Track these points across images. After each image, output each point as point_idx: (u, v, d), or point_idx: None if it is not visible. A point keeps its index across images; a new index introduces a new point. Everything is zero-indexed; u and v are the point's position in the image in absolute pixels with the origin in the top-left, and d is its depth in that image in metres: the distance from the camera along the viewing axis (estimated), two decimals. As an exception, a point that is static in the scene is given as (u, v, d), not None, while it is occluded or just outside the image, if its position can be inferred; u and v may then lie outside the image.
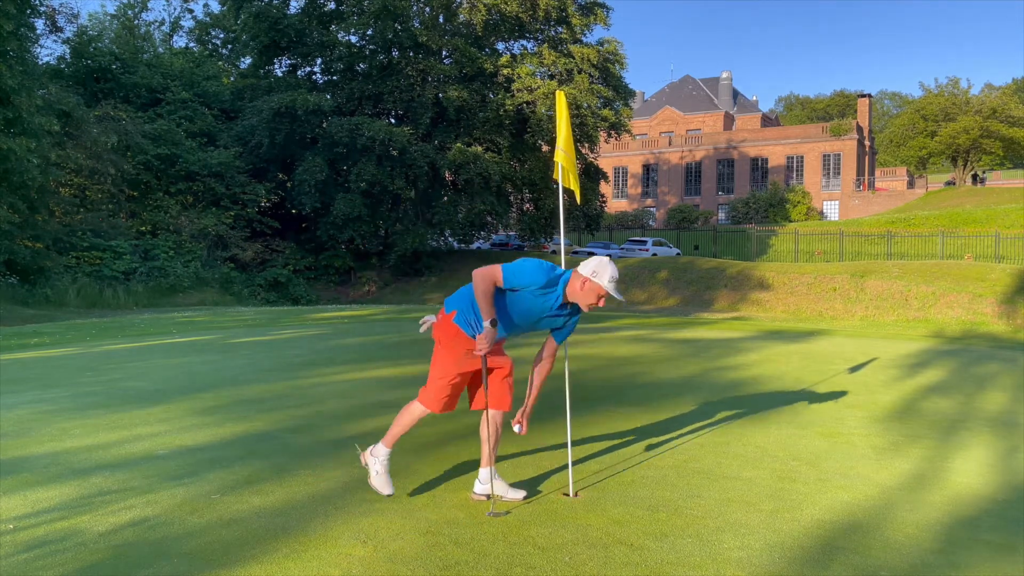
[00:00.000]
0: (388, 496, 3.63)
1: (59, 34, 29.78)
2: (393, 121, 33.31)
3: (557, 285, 3.47)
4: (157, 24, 42.27)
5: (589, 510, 3.68)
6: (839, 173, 55.03)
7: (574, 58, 31.90)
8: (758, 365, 9.13)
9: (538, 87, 31.05)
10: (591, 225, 35.98)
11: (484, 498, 3.75)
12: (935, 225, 37.55)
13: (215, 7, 51.05)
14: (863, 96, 61.13)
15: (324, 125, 30.76)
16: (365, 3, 31.23)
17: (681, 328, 14.73)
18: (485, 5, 31.25)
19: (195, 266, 27.00)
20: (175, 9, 63.38)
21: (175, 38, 43.04)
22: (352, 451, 4.74)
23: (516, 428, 3.71)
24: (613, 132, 34.17)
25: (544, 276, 3.43)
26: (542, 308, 3.49)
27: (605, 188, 45.92)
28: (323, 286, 31.10)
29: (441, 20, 32.45)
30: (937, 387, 7.71)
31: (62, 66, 30.89)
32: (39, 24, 27.28)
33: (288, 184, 32.30)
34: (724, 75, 66.53)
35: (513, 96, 31.56)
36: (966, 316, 18.28)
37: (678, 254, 34.24)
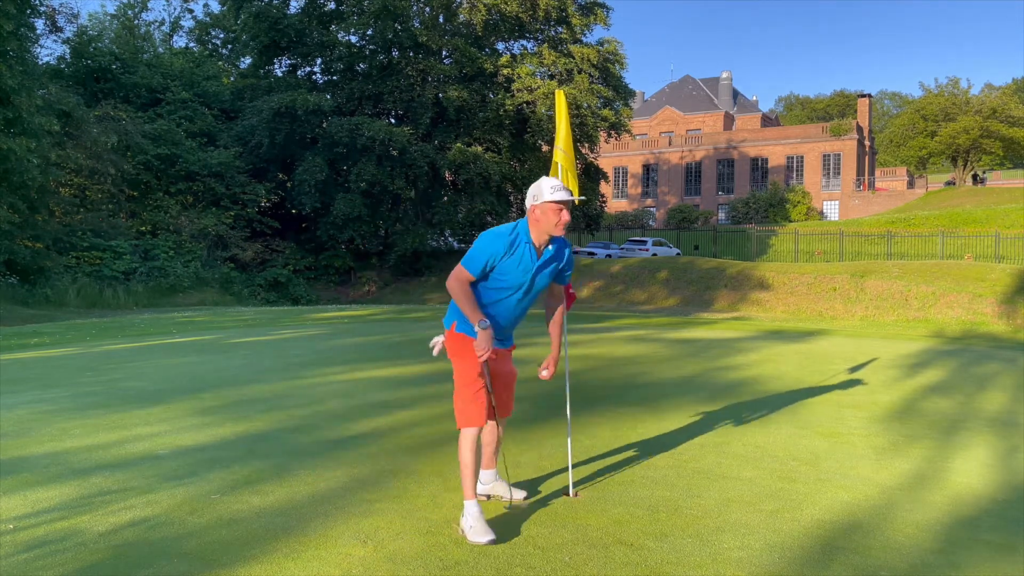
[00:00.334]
0: (489, 542, 3.21)
1: (59, 34, 29.81)
2: (393, 121, 33.31)
3: (519, 235, 3.32)
4: (157, 24, 42.32)
5: (589, 510, 3.68)
6: (839, 173, 55.02)
7: (574, 58, 31.91)
8: (758, 365, 9.13)
9: (538, 87, 31.05)
10: (591, 225, 35.98)
11: (484, 499, 3.75)
12: (935, 225, 37.55)
13: (215, 7, 51.05)
14: (863, 96, 61.11)
15: (324, 125, 30.77)
16: (365, 3, 31.24)
17: (681, 328, 14.73)
18: (485, 5, 31.24)
19: (195, 266, 27.01)
20: (175, 9, 63.43)
21: (175, 38, 43.07)
22: (352, 451, 4.75)
23: (544, 373, 3.58)
24: (613, 132, 34.17)
25: (502, 239, 3.29)
26: (527, 266, 3.33)
27: (605, 188, 45.91)
28: (323, 286, 31.10)
29: (441, 20, 32.45)
30: (937, 387, 7.71)
31: (62, 66, 30.90)
32: (39, 24, 27.31)
33: (288, 184, 32.31)
34: (724, 75, 66.52)
35: (513, 96, 31.56)
36: (966, 316, 18.28)
37: (678, 254, 34.24)
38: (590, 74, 31.98)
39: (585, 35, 33.20)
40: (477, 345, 3.29)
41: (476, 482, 3.42)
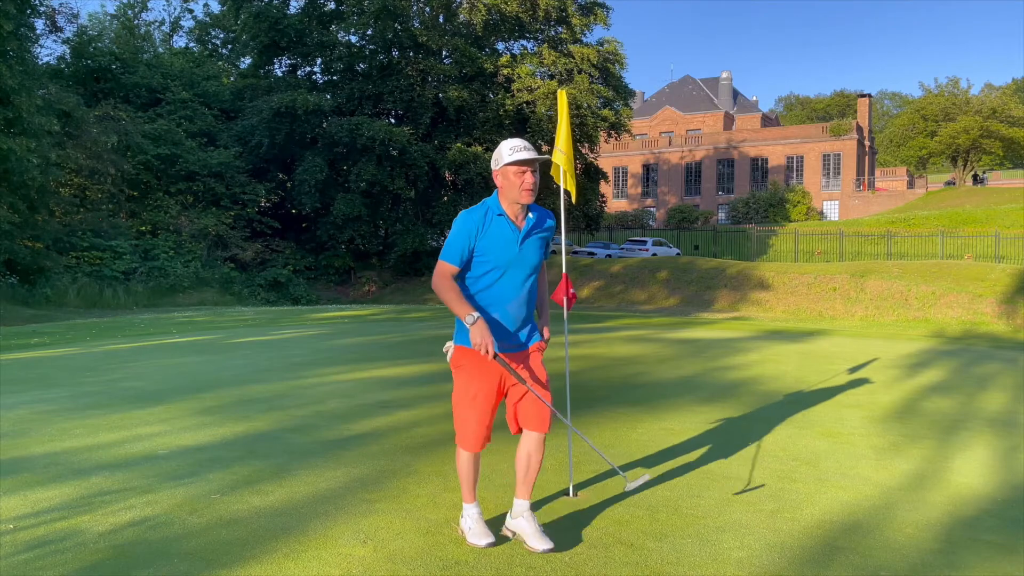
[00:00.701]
0: (488, 545, 3.15)
1: (59, 34, 29.79)
2: (393, 121, 33.31)
3: (490, 208, 3.06)
4: (157, 24, 42.33)
5: (589, 510, 3.68)
6: (839, 173, 55.02)
7: (574, 58, 31.91)
8: (758, 365, 9.13)
9: (538, 87, 31.06)
10: (591, 225, 35.99)
11: (510, 534, 3.27)
12: (935, 225, 37.54)
13: (215, 7, 51.08)
14: (863, 96, 61.11)
15: (324, 125, 30.77)
16: (365, 3, 31.24)
17: (681, 328, 14.73)
18: (485, 5, 31.25)
19: (195, 266, 27.01)
20: (175, 9, 63.48)
21: (175, 38, 43.08)
22: (352, 451, 4.74)
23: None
24: (613, 132, 34.18)
25: (473, 215, 3.03)
26: (509, 238, 3.03)
27: (605, 188, 45.92)
28: (323, 286, 31.10)
29: (441, 20, 32.46)
30: (937, 387, 7.71)
31: (62, 66, 30.90)
32: (39, 24, 27.31)
33: (288, 184, 32.31)
34: (724, 75, 66.52)
35: (513, 96, 31.57)
36: (966, 316, 18.28)
37: (678, 254, 34.24)
38: (590, 74, 31.98)
39: (585, 35, 33.22)
40: (473, 340, 2.94)
41: (475, 488, 3.25)
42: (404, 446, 4.87)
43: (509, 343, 3.13)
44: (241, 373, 7.98)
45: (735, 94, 67.94)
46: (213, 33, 42.68)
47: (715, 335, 13.14)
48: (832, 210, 54.55)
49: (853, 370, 8.77)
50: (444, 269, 3.03)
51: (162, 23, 42.81)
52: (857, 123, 55.83)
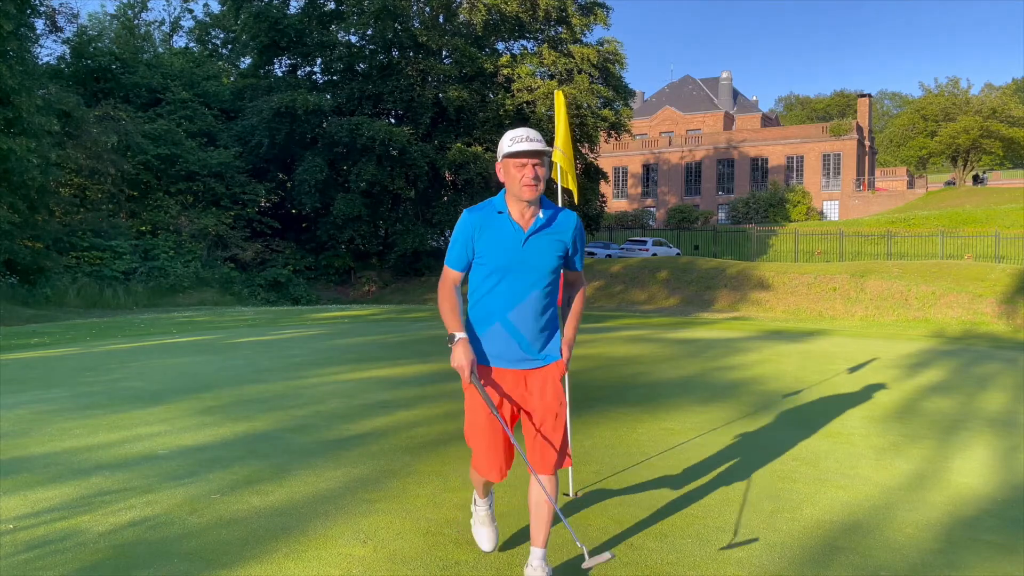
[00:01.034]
0: (489, 547, 3.09)
1: (59, 34, 29.78)
2: (393, 121, 33.31)
3: (494, 206, 2.76)
4: (157, 24, 42.31)
5: (589, 510, 3.68)
6: (839, 173, 55.01)
7: (574, 58, 31.91)
8: (758, 365, 9.13)
9: (538, 87, 31.06)
10: (591, 225, 35.99)
11: None
12: (935, 225, 37.54)
13: (215, 7, 51.07)
14: (863, 96, 61.11)
15: (324, 125, 30.77)
16: (365, 3, 31.24)
17: (681, 328, 14.73)
18: (485, 5, 31.25)
19: (195, 266, 27.00)
20: (175, 9, 63.48)
21: (175, 38, 43.07)
22: (352, 451, 4.74)
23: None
24: (613, 132, 34.18)
25: (473, 214, 2.75)
26: (510, 239, 2.70)
27: (605, 188, 45.91)
28: (323, 286, 31.10)
29: (441, 20, 32.46)
30: (937, 387, 7.71)
31: (62, 66, 30.89)
32: (39, 24, 27.30)
33: (288, 184, 32.31)
34: (724, 75, 66.52)
35: (513, 96, 31.57)
36: (966, 316, 18.28)
37: (678, 254, 34.24)
38: (590, 74, 31.98)
39: (585, 35, 33.22)
40: (452, 361, 2.68)
41: (486, 491, 3.05)
42: (404, 446, 4.87)
43: (513, 359, 2.77)
44: (241, 373, 7.98)
45: (735, 94, 67.94)
46: (213, 33, 42.68)
47: (715, 335, 13.14)
48: (832, 210, 54.55)
49: (853, 370, 8.77)
50: (446, 276, 2.82)
51: (162, 23, 42.82)
52: (857, 123, 55.83)
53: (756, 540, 3.34)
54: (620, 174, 61.71)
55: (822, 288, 21.47)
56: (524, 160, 2.64)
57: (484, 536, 3.10)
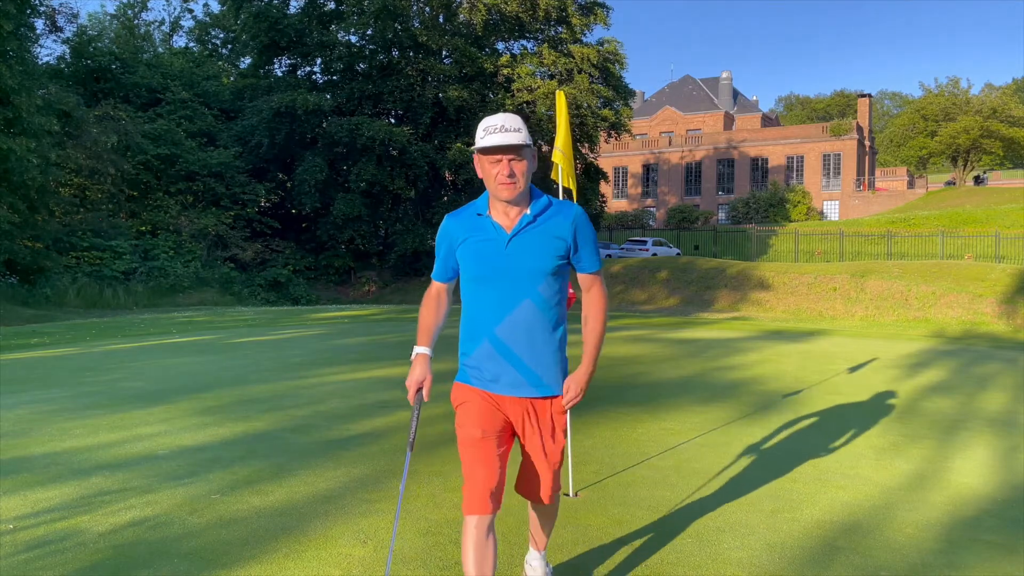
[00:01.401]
0: None
1: (59, 34, 29.78)
2: (393, 121, 33.31)
3: (477, 207, 2.42)
4: (157, 24, 42.32)
5: (589, 510, 3.68)
6: (839, 173, 55.00)
7: (574, 58, 31.91)
8: (758, 365, 9.13)
9: (538, 87, 31.06)
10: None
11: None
12: (935, 225, 37.53)
13: (215, 7, 51.05)
14: (863, 96, 61.08)
15: (324, 125, 30.78)
16: (365, 3, 31.25)
17: (681, 328, 14.73)
18: (485, 5, 31.25)
19: (195, 266, 27.00)
20: (175, 9, 63.50)
21: (175, 38, 43.08)
22: (352, 451, 4.74)
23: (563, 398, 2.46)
24: (613, 132, 34.19)
25: (455, 216, 2.46)
26: (493, 241, 2.34)
27: (605, 188, 45.92)
28: (323, 286, 31.11)
29: (441, 20, 32.46)
30: (937, 387, 7.71)
31: (62, 66, 30.89)
32: (39, 24, 27.30)
33: (288, 184, 32.30)
34: (724, 75, 66.51)
35: (513, 96, 31.56)
36: (966, 316, 18.28)
37: (678, 254, 34.23)
38: (590, 74, 31.98)
39: (585, 35, 33.21)
40: (408, 379, 2.39)
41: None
42: (404, 446, 4.87)
43: (510, 383, 2.37)
44: (241, 373, 7.97)
45: (735, 94, 67.93)
46: (213, 33, 42.69)
47: (715, 335, 13.14)
48: (832, 210, 54.53)
49: (853, 370, 8.77)
50: (430, 288, 2.55)
51: (162, 23, 42.83)
52: (857, 123, 55.81)
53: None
54: (620, 174, 61.69)
55: (822, 288, 21.47)
56: (499, 155, 2.27)
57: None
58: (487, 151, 2.27)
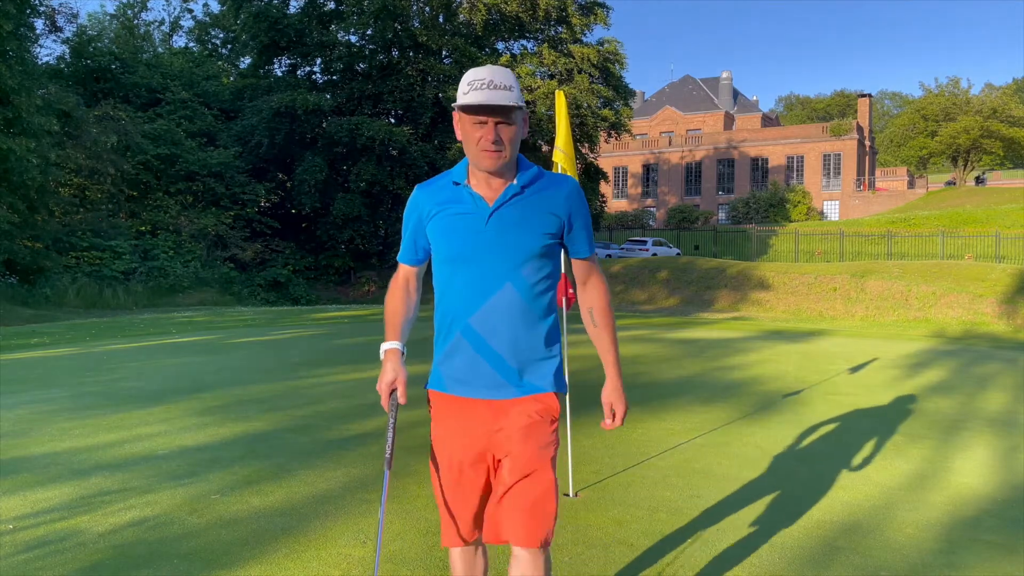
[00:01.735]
0: None
1: (59, 34, 29.78)
2: (393, 121, 33.32)
3: (452, 175, 2.02)
4: (157, 24, 42.33)
5: (589, 510, 3.68)
6: (839, 173, 55.00)
7: (574, 58, 31.92)
8: (758, 365, 9.13)
9: (538, 87, 31.06)
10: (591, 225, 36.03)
11: None
12: (935, 225, 37.53)
13: (215, 7, 51.01)
14: (863, 96, 61.07)
15: (324, 125, 30.78)
16: (365, 3, 31.25)
17: (681, 328, 14.73)
18: (485, 5, 31.25)
19: (195, 266, 27.00)
20: (175, 9, 63.49)
21: (175, 38, 43.08)
22: (352, 451, 4.74)
23: (606, 423, 2.12)
24: (613, 132, 34.20)
25: (425, 187, 2.07)
26: (471, 214, 1.95)
27: (605, 188, 45.92)
28: (323, 286, 31.11)
29: (441, 20, 32.46)
30: (937, 387, 7.71)
31: (62, 66, 30.90)
32: (39, 24, 27.29)
33: (288, 184, 32.31)
34: (724, 75, 66.51)
35: (513, 96, 31.55)
36: (967, 316, 18.27)
37: (678, 254, 34.22)
38: (590, 74, 31.99)
39: (585, 35, 33.22)
40: (379, 382, 2.02)
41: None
42: (404, 446, 4.87)
43: (483, 385, 1.98)
44: (241, 373, 7.97)
45: (735, 94, 67.94)
46: (213, 33, 42.70)
47: (715, 335, 13.14)
48: (832, 210, 54.53)
49: (853, 370, 8.77)
50: (396, 273, 2.17)
51: (162, 23, 42.83)
52: (857, 123, 55.81)
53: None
54: (620, 174, 61.69)
55: (822, 288, 21.46)
56: (484, 116, 1.86)
57: None
58: (470, 110, 1.87)
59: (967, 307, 18.61)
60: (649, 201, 60.98)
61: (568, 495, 3.89)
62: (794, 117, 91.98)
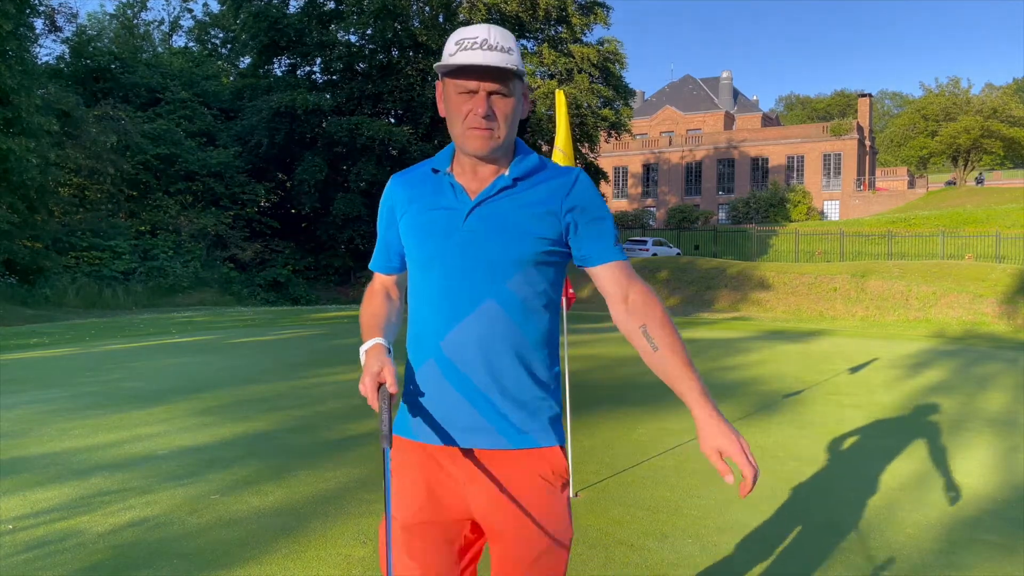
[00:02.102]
0: None
1: (58, 34, 29.77)
2: (393, 121, 33.32)
3: (434, 163, 1.61)
4: (156, 24, 42.33)
5: (589, 510, 3.67)
6: (839, 173, 55.00)
7: (574, 58, 31.92)
8: (758, 365, 9.12)
9: (538, 87, 31.07)
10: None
11: None
12: (936, 225, 37.53)
13: (214, 7, 51.04)
14: (863, 96, 61.08)
15: (324, 125, 30.79)
16: (365, 2, 31.25)
17: (681, 328, 14.70)
18: (485, 4, 31.25)
19: (194, 266, 27.00)
20: (174, 9, 63.54)
21: (174, 38, 43.09)
22: (352, 451, 4.74)
23: (729, 479, 1.39)
24: (613, 132, 34.21)
25: (398, 178, 1.67)
26: (445, 207, 1.55)
27: (605, 188, 45.94)
28: (323, 286, 31.10)
29: (441, 20, 32.46)
30: (938, 387, 7.70)
31: (61, 66, 30.89)
32: (38, 24, 27.30)
33: (288, 184, 32.31)
34: (724, 75, 66.52)
35: (513, 96, 31.59)
36: (967, 316, 18.28)
37: (678, 254, 34.23)
38: (590, 74, 32.00)
39: (585, 35, 33.22)
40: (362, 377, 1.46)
41: None
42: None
43: (458, 427, 1.52)
44: (241, 373, 7.97)
45: (735, 94, 67.95)
46: (212, 33, 42.71)
47: (715, 335, 13.14)
48: (833, 210, 54.53)
49: (854, 370, 8.76)
50: (371, 284, 1.75)
51: (161, 23, 42.83)
52: (858, 123, 55.82)
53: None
54: (620, 174, 61.70)
55: (823, 288, 21.46)
56: (474, 82, 1.45)
57: None
58: (456, 73, 1.46)
59: (967, 307, 18.62)
60: (649, 201, 60.99)
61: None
62: (794, 117, 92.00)
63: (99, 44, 32.33)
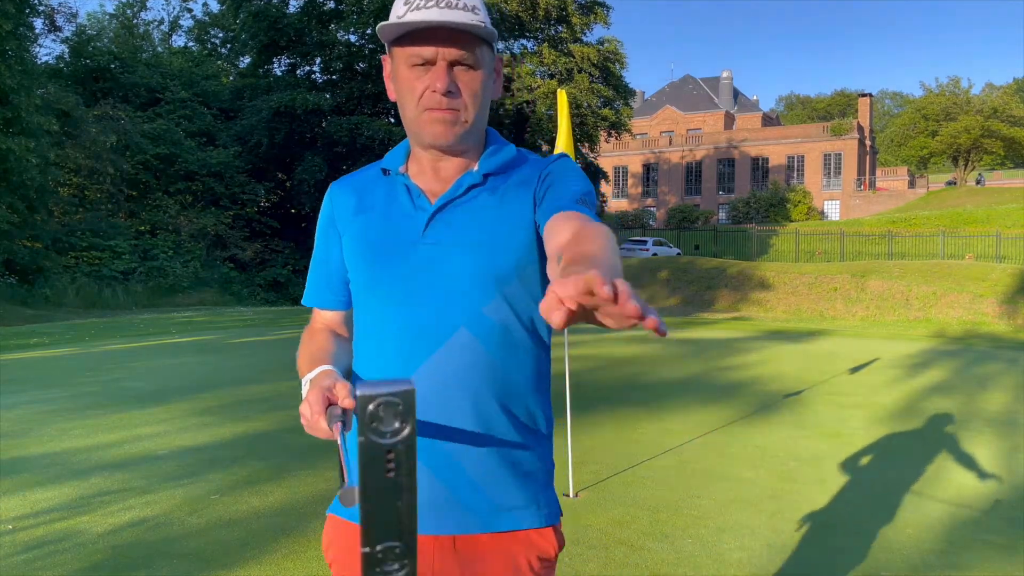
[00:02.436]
0: None
1: (58, 33, 29.78)
2: (393, 121, 33.30)
3: (384, 163, 1.27)
4: (156, 23, 42.34)
5: (589, 510, 3.67)
6: (840, 173, 54.99)
7: (574, 57, 31.92)
8: (758, 365, 9.12)
9: (538, 86, 31.07)
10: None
11: None
12: (936, 225, 37.53)
13: (214, 6, 51.04)
14: (864, 96, 61.08)
15: (323, 125, 30.79)
16: (364, 2, 31.24)
17: (681, 328, 14.73)
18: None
19: (194, 266, 26.99)
20: (174, 8, 63.56)
21: (174, 37, 43.08)
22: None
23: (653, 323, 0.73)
24: (613, 131, 34.21)
25: (339, 185, 1.35)
26: (402, 218, 1.19)
27: (605, 188, 45.92)
28: (323, 286, 31.09)
29: (441, 20, 32.46)
30: (938, 387, 7.70)
31: (61, 65, 30.89)
32: (38, 24, 27.31)
33: (288, 184, 32.30)
34: (724, 74, 66.52)
35: (513, 95, 31.56)
36: (967, 316, 18.27)
37: (679, 254, 34.22)
38: (590, 73, 31.99)
39: (585, 34, 33.22)
40: (303, 412, 1.06)
41: None
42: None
43: (427, 516, 1.11)
44: (241, 373, 7.97)
45: (736, 93, 67.94)
46: (212, 32, 42.70)
47: (715, 335, 13.14)
48: (833, 210, 54.53)
49: (854, 370, 8.76)
50: (310, 323, 1.33)
51: (161, 22, 42.86)
52: (858, 123, 55.81)
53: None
54: (620, 174, 61.68)
55: (823, 288, 21.46)
56: (430, 49, 1.10)
57: None
58: (408, 39, 1.11)
59: (968, 307, 18.61)
60: (649, 201, 60.98)
61: (568, 495, 3.88)
62: (794, 117, 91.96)
63: (99, 44, 32.34)
